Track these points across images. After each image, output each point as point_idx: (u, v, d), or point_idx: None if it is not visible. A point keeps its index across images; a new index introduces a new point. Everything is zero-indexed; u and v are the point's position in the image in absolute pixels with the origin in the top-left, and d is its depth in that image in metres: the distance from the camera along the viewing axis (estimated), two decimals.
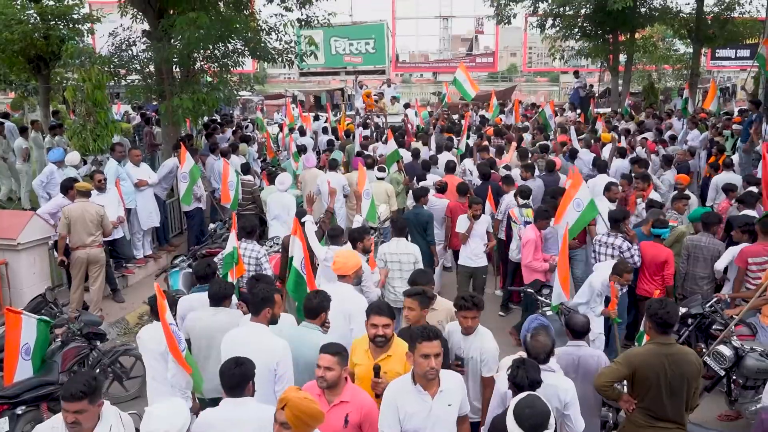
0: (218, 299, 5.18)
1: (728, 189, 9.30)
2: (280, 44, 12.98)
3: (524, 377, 3.83)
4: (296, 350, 4.60)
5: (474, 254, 8.21)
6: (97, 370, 5.89)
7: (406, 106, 21.63)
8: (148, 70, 12.35)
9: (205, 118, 15.82)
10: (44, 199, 9.90)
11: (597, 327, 6.49)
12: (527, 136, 15.08)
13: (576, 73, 22.55)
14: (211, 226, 10.31)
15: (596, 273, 6.68)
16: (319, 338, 4.63)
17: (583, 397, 4.63)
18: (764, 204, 8.27)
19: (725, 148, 12.56)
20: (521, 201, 8.82)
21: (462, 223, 8.23)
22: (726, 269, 7.31)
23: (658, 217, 7.70)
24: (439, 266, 9.23)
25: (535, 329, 4.58)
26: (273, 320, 4.73)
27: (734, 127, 14.68)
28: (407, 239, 7.53)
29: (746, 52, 32.44)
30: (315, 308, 4.88)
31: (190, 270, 8.18)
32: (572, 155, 11.98)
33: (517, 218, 8.61)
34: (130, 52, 12.51)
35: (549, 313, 7.11)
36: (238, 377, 3.84)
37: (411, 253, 7.16)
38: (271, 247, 8.80)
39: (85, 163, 10.94)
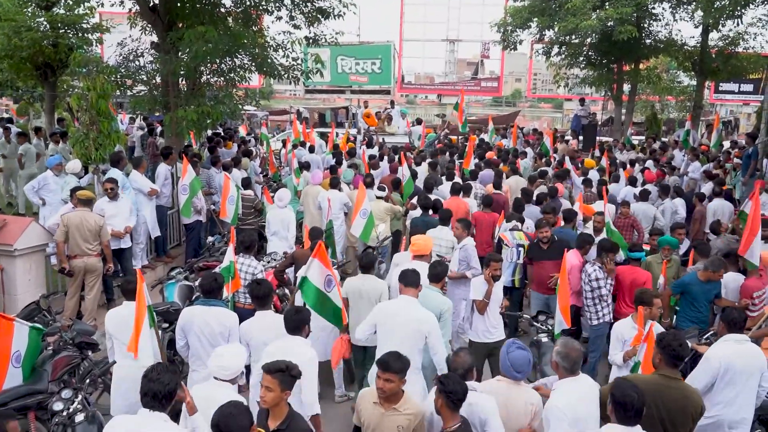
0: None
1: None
2: (287, 61, 13.08)
3: (455, 384, 4.01)
4: None
5: (492, 326, 6.72)
6: (87, 381, 5.83)
7: (419, 122, 21.66)
8: (154, 81, 12.43)
9: (209, 132, 15.90)
10: (38, 204, 9.94)
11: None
12: (527, 162, 15.10)
13: (582, 101, 22.66)
14: (210, 239, 10.29)
15: (619, 322, 6.23)
16: (440, 300, 5.95)
17: None
18: (742, 246, 7.71)
19: (725, 181, 12.66)
20: (511, 225, 8.85)
21: (478, 288, 6.73)
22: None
23: (634, 242, 7.85)
24: None
25: (458, 349, 4.76)
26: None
27: (735, 160, 14.79)
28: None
29: (749, 87, 32.63)
30: (438, 274, 6.17)
31: (187, 282, 8.16)
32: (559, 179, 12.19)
33: (510, 242, 8.55)
34: (137, 62, 12.62)
35: (544, 340, 7.08)
36: (297, 321, 4.97)
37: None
38: (268, 262, 8.78)
39: (86, 171, 10.96)
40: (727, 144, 20.23)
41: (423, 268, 6.32)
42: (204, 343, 5.51)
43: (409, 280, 5.67)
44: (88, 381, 5.87)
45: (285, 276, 7.92)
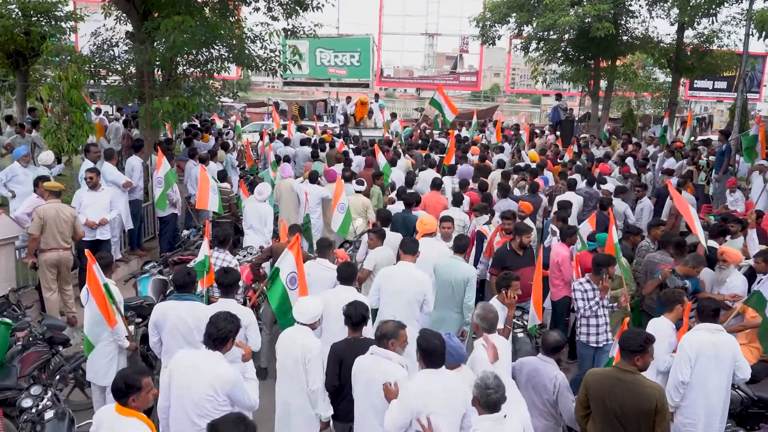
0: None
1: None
2: (265, 52, 12.95)
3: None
4: (448, 274, 6.69)
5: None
6: (57, 377, 5.73)
7: (393, 116, 21.55)
8: (129, 71, 12.23)
9: (185, 124, 15.71)
10: (8, 197, 9.76)
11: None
12: (504, 157, 15.13)
13: (558, 96, 22.76)
14: (185, 232, 10.18)
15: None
16: (467, 267, 6.81)
17: (532, 404, 4.91)
18: (693, 229, 7.66)
19: (692, 176, 12.90)
20: (484, 219, 8.87)
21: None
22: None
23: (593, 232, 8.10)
24: None
25: (388, 320, 4.95)
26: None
27: (710, 158, 14.99)
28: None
29: (723, 84, 33.14)
30: (463, 245, 6.96)
31: (161, 276, 8.06)
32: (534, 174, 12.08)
33: (487, 233, 8.51)
34: (111, 52, 12.41)
35: (520, 335, 7.09)
36: (350, 272, 5.93)
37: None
38: (244, 256, 8.69)
39: (59, 162, 10.76)
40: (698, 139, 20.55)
41: (432, 243, 7.31)
42: (178, 338, 5.43)
43: (408, 247, 6.55)
44: (58, 377, 5.77)
45: (261, 270, 7.84)
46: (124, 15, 12.20)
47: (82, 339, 7.86)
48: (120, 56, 12.50)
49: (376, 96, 24.54)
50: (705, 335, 5.20)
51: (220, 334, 4.42)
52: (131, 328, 6.14)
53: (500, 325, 5.85)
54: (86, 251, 5.73)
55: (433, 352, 4.29)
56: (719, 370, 5.17)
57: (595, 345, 6.54)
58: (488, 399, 3.86)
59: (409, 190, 10.21)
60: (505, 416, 3.91)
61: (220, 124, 21.45)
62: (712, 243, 7.91)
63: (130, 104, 13.98)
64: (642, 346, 4.43)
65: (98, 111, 18.70)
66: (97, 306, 5.46)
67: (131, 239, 10.59)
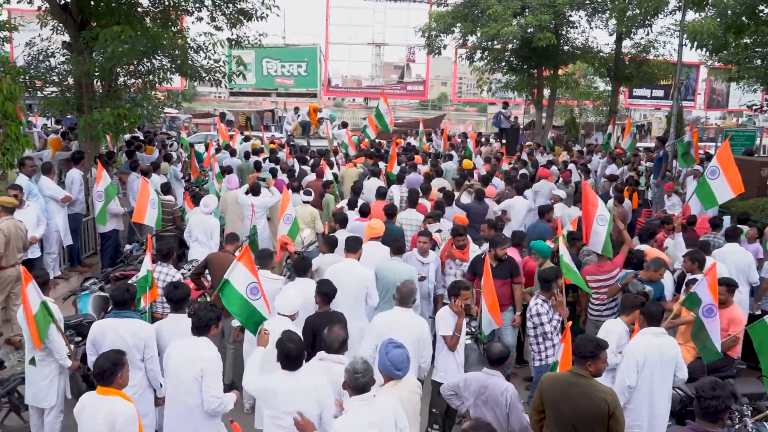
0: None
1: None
2: (208, 63, 12.78)
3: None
4: (393, 275, 6.93)
5: (462, 364, 6.11)
6: None
7: (344, 125, 21.56)
8: (66, 82, 11.89)
9: (127, 136, 15.34)
10: None
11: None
12: (452, 165, 15.29)
13: (505, 104, 23.15)
14: (127, 247, 9.92)
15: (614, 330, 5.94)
16: (408, 267, 7.18)
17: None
18: (585, 238, 8.09)
19: (633, 181, 13.29)
20: (436, 226, 8.88)
21: (446, 321, 6.01)
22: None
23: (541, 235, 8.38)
24: None
25: (332, 324, 5.22)
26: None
27: (647, 164, 15.48)
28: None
29: (661, 92, 34.38)
30: (400, 247, 7.38)
31: (102, 293, 7.82)
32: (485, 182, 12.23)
33: (439, 241, 8.56)
34: (48, 63, 12.04)
35: (468, 341, 7.11)
36: (303, 265, 6.69)
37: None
38: (189, 270, 8.51)
39: None
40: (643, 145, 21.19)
41: (379, 247, 7.67)
42: None
43: (350, 246, 6.98)
44: None
45: (207, 283, 7.69)
46: (61, 25, 11.87)
47: (18, 361, 7.60)
48: (57, 67, 12.13)
49: (320, 108, 24.52)
50: (651, 339, 5.35)
51: (201, 323, 4.86)
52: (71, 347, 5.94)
53: (449, 332, 5.98)
54: (22, 268, 5.56)
55: (288, 355, 4.47)
56: (663, 373, 5.34)
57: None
58: (357, 383, 4.08)
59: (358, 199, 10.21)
60: (374, 396, 4.13)
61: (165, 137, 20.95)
62: (643, 247, 8.15)
63: (69, 116, 13.56)
64: (593, 351, 4.50)
65: (30, 125, 18.04)
66: (27, 325, 5.36)
67: (71, 255, 10.23)
